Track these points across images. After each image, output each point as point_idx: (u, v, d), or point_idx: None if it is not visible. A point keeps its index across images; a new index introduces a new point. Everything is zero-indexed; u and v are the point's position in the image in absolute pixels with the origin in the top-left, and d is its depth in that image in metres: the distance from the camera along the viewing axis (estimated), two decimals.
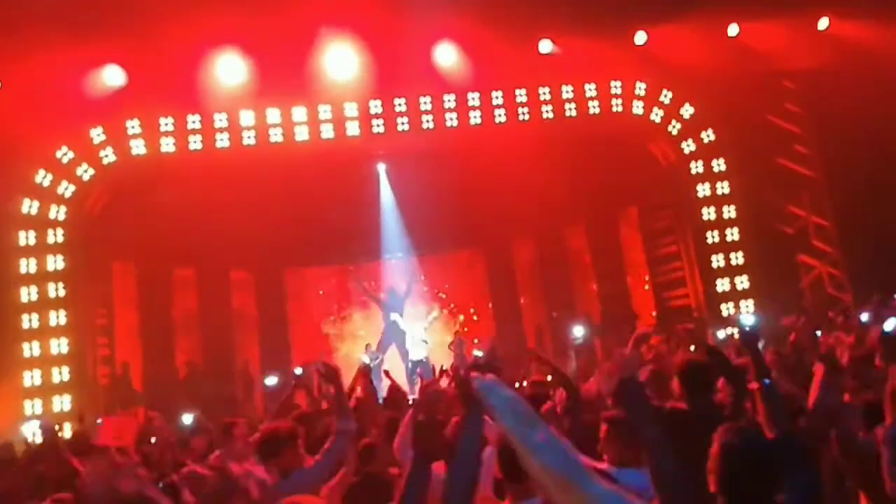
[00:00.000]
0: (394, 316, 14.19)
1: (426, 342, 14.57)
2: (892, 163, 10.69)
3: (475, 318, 15.58)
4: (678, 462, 2.12)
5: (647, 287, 14.04)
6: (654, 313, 13.58)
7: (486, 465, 2.64)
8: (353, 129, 11.57)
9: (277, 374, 11.15)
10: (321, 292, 15.19)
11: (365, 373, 6.57)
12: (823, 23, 11.87)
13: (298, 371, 4.45)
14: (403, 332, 14.55)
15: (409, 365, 13.78)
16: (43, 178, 10.62)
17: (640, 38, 11.85)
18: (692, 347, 4.73)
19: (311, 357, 13.11)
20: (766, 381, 3.19)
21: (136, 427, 6.61)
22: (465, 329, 15.29)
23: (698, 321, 11.14)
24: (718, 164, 12.60)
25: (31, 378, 10.25)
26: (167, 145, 10.99)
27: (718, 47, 11.71)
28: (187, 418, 6.85)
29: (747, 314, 3.54)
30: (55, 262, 10.64)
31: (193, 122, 11.02)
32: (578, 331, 13.19)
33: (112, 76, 10.52)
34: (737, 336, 10.59)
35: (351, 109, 11.54)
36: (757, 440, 2.17)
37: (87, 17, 9.34)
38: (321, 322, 15.04)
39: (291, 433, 3.61)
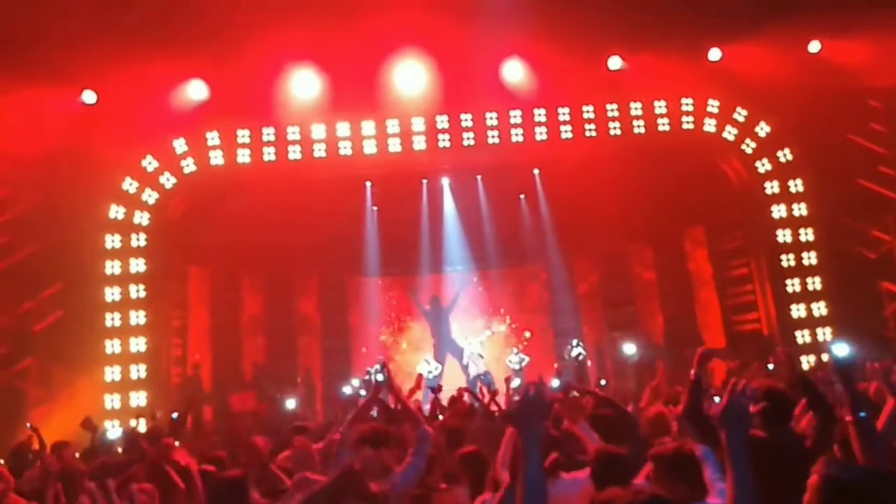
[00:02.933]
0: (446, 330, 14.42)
1: (482, 356, 14.61)
2: None
3: (528, 334, 15.44)
4: (758, 493, 2.08)
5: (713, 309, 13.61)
6: (723, 337, 13.13)
7: None
8: (419, 143, 11.78)
9: (351, 385, 11.62)
10: (393, 301, 15.41)
11: (420, 383, 6.73)
12: None
13: (379, 377, 4.54)
14: (461, 347, 14.67)
15: (469, 378, 13.85)
16: (129, 185, 11.30)
17: (715, 54, 11.58)
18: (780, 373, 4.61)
19: (371, 363, 13.41)
20: (862, 413, 3.04)
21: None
22: (525, 345, 15.22)
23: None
24: (795, 185, 12.11)
25: (112, 374, 10.85)
26: (243, 156, 11.51)
27: (798, 64, 11.31)
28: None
29: (841, 344, 3.34)
30: (138, 265, 11.27)
31: (268, 134, 11.51)
32: (629, 349, 13.03)
33: (195, 90, 11.14)
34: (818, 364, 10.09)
35: (418, 124, 11.77)
36: (862, 474, 2.07)
37: (173, 34, 9.96)
38: (380, 330, 15.31)
39: (388, 434, 3.87)
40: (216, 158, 11.51)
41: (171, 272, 11.91)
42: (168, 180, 11.45)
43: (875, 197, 11.97)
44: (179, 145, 11.43)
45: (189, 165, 11.48)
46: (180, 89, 11.06)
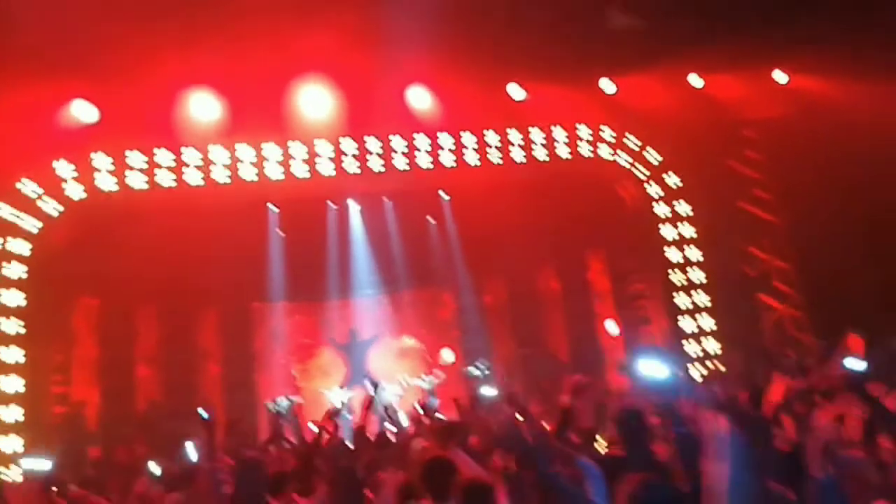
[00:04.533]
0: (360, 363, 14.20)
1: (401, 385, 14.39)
2: (849, 207, 11.13)
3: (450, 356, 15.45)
4: None
5: (616, 330, 14.23)
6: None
7: None
8: (325, 167, 11.63)
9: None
10: (300, 328, 14.96)
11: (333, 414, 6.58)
12: (780, 76, 12.45)
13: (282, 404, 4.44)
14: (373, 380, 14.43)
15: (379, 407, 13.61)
16: (7, 212, 10.41)
17: (608, 85, 12.25)
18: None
19: (278, 393, 12.94)
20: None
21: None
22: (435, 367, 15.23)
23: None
24: (683, 208, 12.96)
25: None
26: (138, 181, 10.91)
27: (681, 96, 12.18)
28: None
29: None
30: (15, 299, 10.35)
31: (165, 158, 10.98)
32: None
33: (84, 112, 10.45)
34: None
35: (323, 148, 11.63)
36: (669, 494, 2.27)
37: (60, 53, 9.32)
38: (287, 358, 14.83)
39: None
40: (108, 184, 10.83)
41: (56, 304, 11.02)
42: (53, 208, 10.63)
43: (753, 218, 13.03)
44: (66, 171, 10.66)
45: (78, 192, 10.72)
46: (66, 111, 10.35)
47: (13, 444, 9.87)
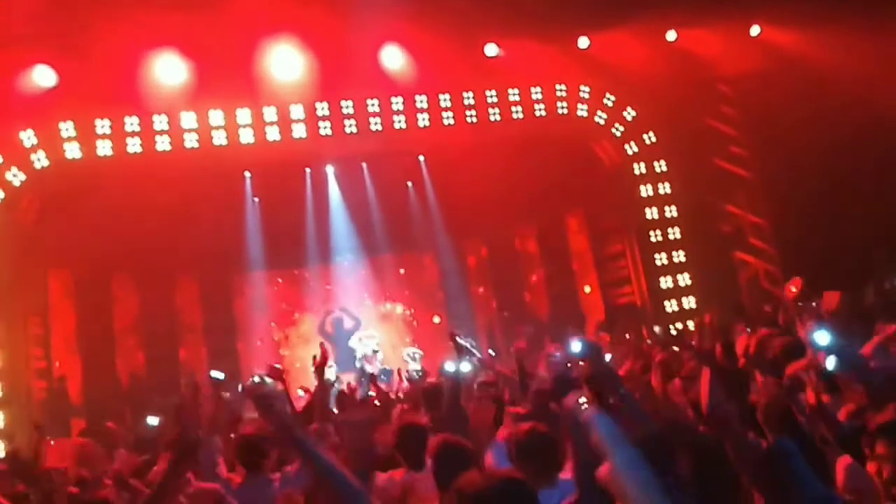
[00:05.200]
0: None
1: (376, 351, 14.44)
2: (823, 162, 11.21)
3: (436, 320, 15.52)
4: None
5: (588, 289, 14.37)
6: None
7: None
8: (299, 131, 11.42)
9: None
10: (280, 295, 14.89)
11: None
12: (755, 30, 12.37)
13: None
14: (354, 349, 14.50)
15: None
16: None
17: (583, 42, 12.09)
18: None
19: (260, 363, 12.94)
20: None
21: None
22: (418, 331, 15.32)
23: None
24: (660, 166, 12.98)
25: None
26: (104, 148, 10.63)
27: (658, 52, 12.05)
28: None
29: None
30: None
31: (132, 124, 10.69)
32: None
33: (42, 77, 10.08)
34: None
35: (297, 111, 11.40)
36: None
37: (17, 17, 8.94)
38: (269, 327, 14.81)
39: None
40: (72, 151, 10.54)
41: (27, 278, 10.80)
42: (15, 176, 10.34)
43: (728, 175, 13.10)
44: (27, 137, 10.34)
45: (41, 160, 10.43)
46: (25, 77, 9.98)
47: None
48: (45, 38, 9.46)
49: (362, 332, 14.86)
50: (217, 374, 4.48)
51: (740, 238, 13.18)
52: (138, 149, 10.72)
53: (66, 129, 10.47)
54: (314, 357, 4.70)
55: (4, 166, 10.31)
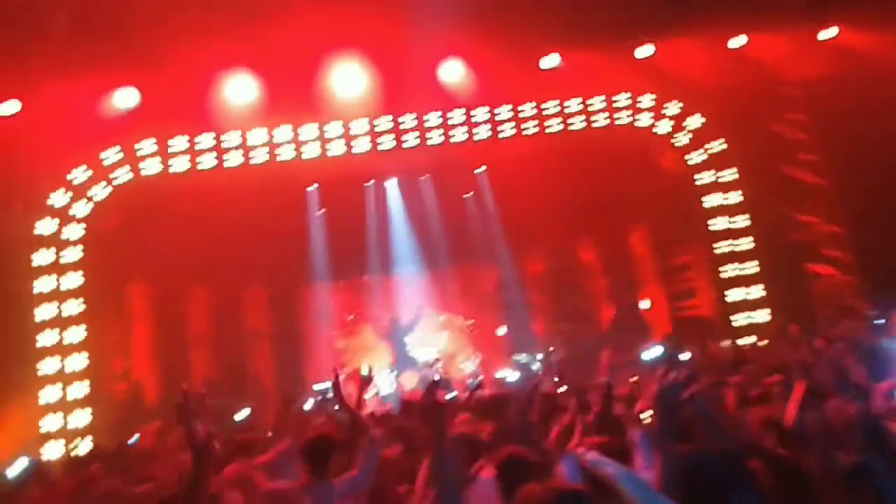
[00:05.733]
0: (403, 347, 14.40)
1: (439, 360, 14.55)
2: None
3: (500, 331, 15.51)
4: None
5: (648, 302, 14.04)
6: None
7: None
8: (361, 145, 11.75)
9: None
10: (344, 306, 15.25)
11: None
12: (827, 33, 11.89)
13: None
14: (415, 359, 14.66)
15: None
16: (59, 197, 10.90)
17: (645, 50, 11.96)
18: None
19: (326, 372, 13.23)
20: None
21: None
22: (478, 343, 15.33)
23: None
24: (729, 175, 12.61)
25: (49, 395, 10.40)
26: (179, 164, 11.26)
27: (723, 59, 11.77)
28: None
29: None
30: (73, 280, 10.87)
31: (205, 141, 11.28)
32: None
33: (126, 98, 10.81)
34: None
35: (359, 126, 11.74)
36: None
37: (102, 41, 9.63)
38: (333, 337, 15.15)
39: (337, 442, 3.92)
40: (151, 167, 11.21)
41: (110, 286, 11.52)
42: (101, 191, 11.08)
43: (799, 183, 12.59)
44: (111, 154, 11.08)
45: (123, 175, 11.14)
46: (110, 97, 10.73)
47: (82, 418, 10.39)
48: (127, 61, 10.12)
49: (423, 337, 15.00)
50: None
51: (814, 248, 12.61)
52: (211, 164, 11.29)
53: (145, 146, 11.15)
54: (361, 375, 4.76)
55: (91, 181, 11.06)
